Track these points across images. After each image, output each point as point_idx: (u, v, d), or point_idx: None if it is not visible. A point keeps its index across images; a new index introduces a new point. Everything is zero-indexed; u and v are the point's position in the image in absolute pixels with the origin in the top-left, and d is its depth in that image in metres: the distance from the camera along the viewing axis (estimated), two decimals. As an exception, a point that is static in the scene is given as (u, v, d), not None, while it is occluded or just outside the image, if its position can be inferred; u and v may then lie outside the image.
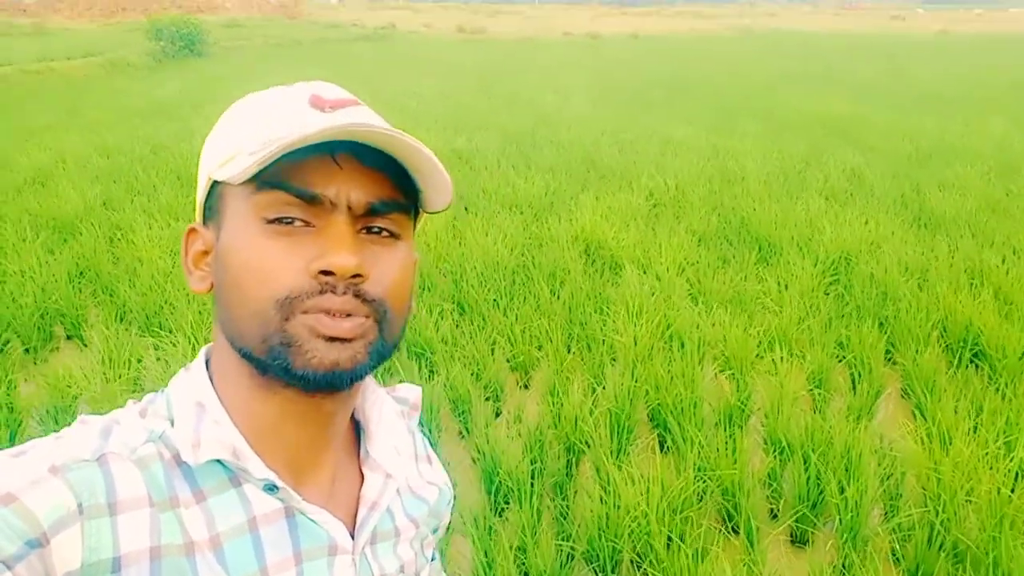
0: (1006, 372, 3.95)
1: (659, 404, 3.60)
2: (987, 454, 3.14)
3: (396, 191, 0.66)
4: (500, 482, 3.05)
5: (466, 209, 6.73)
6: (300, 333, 0.61)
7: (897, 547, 2.85)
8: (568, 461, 3.29)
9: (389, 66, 22.18)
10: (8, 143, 9.90)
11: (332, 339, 0.61)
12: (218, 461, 0.64)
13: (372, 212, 0.64)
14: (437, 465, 0.86)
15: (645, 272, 5.19)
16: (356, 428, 0.77)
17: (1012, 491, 2.92)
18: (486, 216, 6.42)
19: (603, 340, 4.23)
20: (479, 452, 3.26)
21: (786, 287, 4.98)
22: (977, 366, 4.15)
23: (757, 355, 4.13)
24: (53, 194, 7.11)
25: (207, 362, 0.70)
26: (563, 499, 3.04)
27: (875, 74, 21.15)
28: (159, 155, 9.23)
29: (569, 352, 4.15)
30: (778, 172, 8.34)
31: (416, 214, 0.71)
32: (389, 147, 0.63)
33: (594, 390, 3.73)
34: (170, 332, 4.25)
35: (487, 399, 3.83)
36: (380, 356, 0.65)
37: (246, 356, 0.64)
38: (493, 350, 4.15)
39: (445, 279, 5.06)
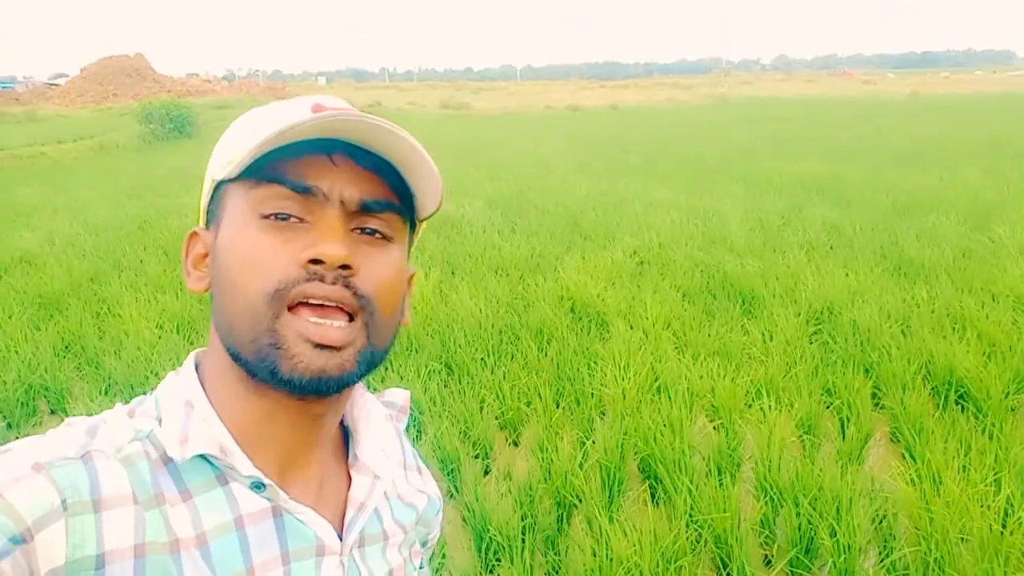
0: (991, 412, 3.97)
1: (649, 455, 3.59)
2: (977, 492, 3.13)
3: (390, 192, 0.67)
4: (491, 539, 3.01)
5: (453, 273, 6.79)
6: (288, 335, 0.61)
7: (894, 589, 2.82)
8: (559, 516, 3.26)
9: (375, 141, 22.54)
10: (-3, 225, 9.97)
11: (321, 346, 0.61)
12: (205, 460, 0.64)
13: (365, 210, 0.65)
14: (428, 476, 0.86)
15: (632, 327, 5.22)
16: (344, 432, 0.78)
17: (1003, 528, 2.91)
18: (473, 279, 6.48)
19: (592, 394, 4.23)
20: (469, 510, 3.22)
21: (771, 338, 5.02)
22: (963, 407, 4.17)
23: (746, 404, 4.14)
24: (40, 272, 7.14)
25: (197, 367, 0.70)
26: (555, 554, 3.00)
27: (850, 135, 21.72)
28: (146, 231, 9.32)
29: (558, 407, 4.15)
30: (759, 229, 8.48)
31: (412, 225, 0.72)
32: (383, 146, 0.64)
33: (584, 444, 3.72)
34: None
35: (476, 457, 3.80)
36: (369, 364, 0.65)
37: (235, 356, 0.64)
38: (482, 408, 4.14)
39: (432, 340, 5.07)
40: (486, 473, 3.72)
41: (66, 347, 5.30)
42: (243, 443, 0.65)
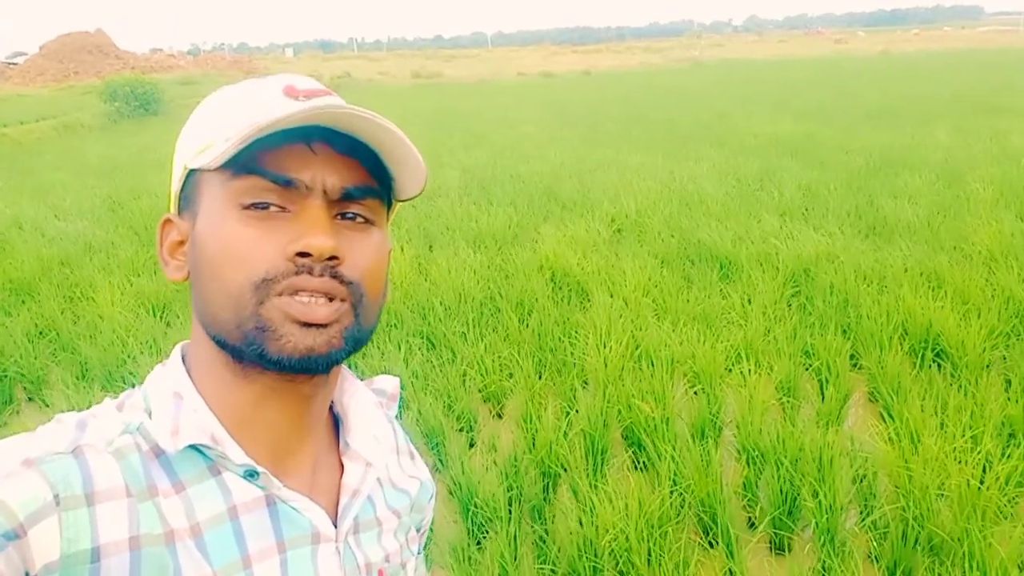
0: (967, 369, 4.03)
1: (632, 423, 3.61)
2: (955, 449, 3.19)
3: (370, 177, 0.67)
4: (477, 511, 3.02)
5: (430, 247, 6.75)
6: (274, 317, 0.61)
7: (874, 546, 2.87)
8: (545, 485, 3.28)
9: (347, 113, 22.25)
10: (-39, 210, 9.73)
11: (307, 324, 0.61)
12: (197, 450, 0.63)
13: (347, 197, 0.65)
14: (419, 461, 0.86)
15: (612, 296, 5.23)
16: (336, 421, 0.78)
17: (981, 483, 2.97)
18: (451, 251, 6.44)
19: (574, 364, 4.25)
20: (455, 483, 3.23)
21: (749, 301, 5.05)
22: (939, 365, 4.23)
23: (726, 369, 4.17)
24: (9, 257, 6.99)
25: (184, 358, 0.70)
26: (542, 523, 3.02)
27: (822, 95, 21.76)
28: (116, 213, 9.14)
29: (540, 378, 4.16)
30: (734, 193, 8.50)
31: (390, 204, 0.72)
32: (362, 132, 0.64)
33: (567, 414, 3.73)
34: (133, 386, 4.16)
35: (460, 430, 3.81)
36: (356, 342, 0.65)
37: (221, 343, 0.64)
38: (464, 381, 4.14)
39: (412, 314, 5.05)
40: (471, 446, 3.73)
41: (40, 333, 5.21)
42: (234, 431, 0.65)
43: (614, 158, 11.47)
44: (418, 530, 0.84)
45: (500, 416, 4.06)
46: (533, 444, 3.46)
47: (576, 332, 4.63)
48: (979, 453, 3.16)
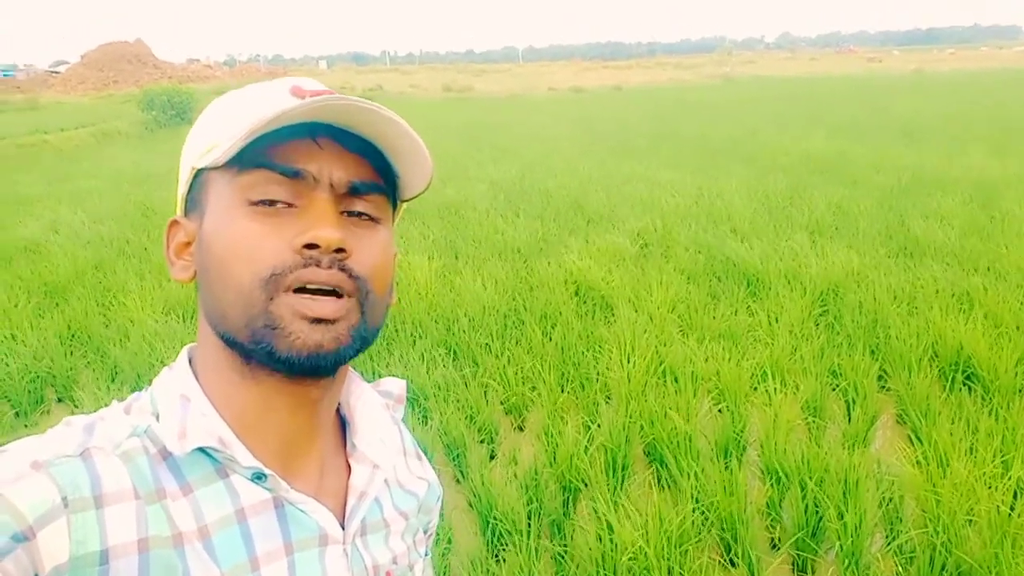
0: (999, 393, 3.95)
1: (654, 439, 3.58)
2: (984, 474, 3.12)
3: (376, 174, 0.67)
4: (497, 524, 3.02)
5: (456, 257, 6.78)
6: (283, 314, 0.61)
7: (900, 571, 2.82)
8: (565, 500, 3.26)
9: (377, 125, 22.47)
10: (1, 214, 9.98)
11: (316, 320, 0.61)
12: (205, 453, 0.64)
13: (353, 192, 0.65)
14: (426, 463, 0.86)
15: (637, 311, 5.21)
16: (342, 423, 0.78)
17: (1011, 509, 2.90)
18: (476, 263, 6.47)
19: (596, 378, 4.23)
20: (475, 495, 3.23)
21: (776, 320, 5.00)
22: (970, 388, 4.15)
23: (751, 387, 4.13)
24: (45, 260, 7.15)
25: (190, 361, 0.70)
26: (561, 538, 3.01)
27: (854, 113, 21.56)
28: (150, 219, 9.32)
29: (563, 392, 4.14)
30: (763, 210, 8.44)
31: (395, 205, 0.72)
32: (368, 128, 0.64)
33: (589, 428, 3.72)
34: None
35: (481, 442, 3.80)
36: (363, 340, 0.65)
37: (229, 342, 0.64)
38: (486, 393, 4.14)
39: (437, 325, 5.06)
40: (492, 458, 3.72)
41: (72, 336, 5.31)
42: (242, 434, 0.65)
43: (643, 173, 11.45)
44: (425, 532, 0.84)
45: (521, 429, 4.06)
46: (554, 458, 3.45)
47: (600, 347, 4.62)
48: (1010, 479, 3.09)
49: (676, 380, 4.13)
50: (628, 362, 4.26)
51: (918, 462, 3.32)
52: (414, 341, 4.86)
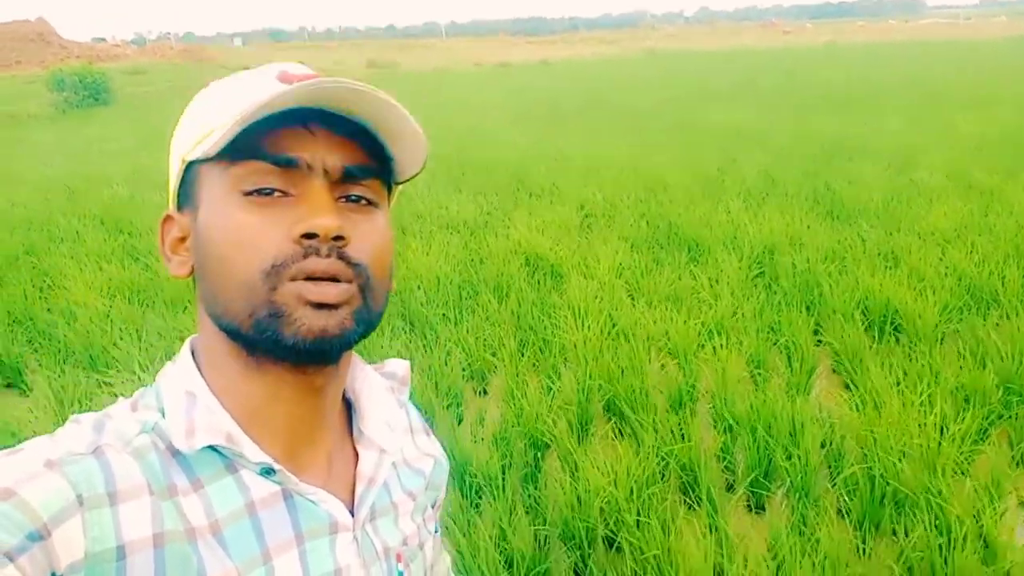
0: (922, 340, 4.28)
1: (613, 395, 3.77)
2: (914, 413, 3.41)
3: (369, 158, 0.67)
4: (472, 479, 3.16)
5: (404, 231, 6.83)
6: (288, 302, 0.61)
7: (844, 502, 3.08)
8: (535, 455, 3.42)
9: (305, 103, 22.05)
10: (-87, 200, 9.49)
11: (319, 305, 0.61)
12: (213, 448, 0.64)
13: (348, 177, 0.65)
14: (434, 438, 0.87)
15: (586, 278, 5.39)
16: (348, 408, 0.78)
17: (940, 443, 3.19)
18: (423, 237, 6.54)
19: (554, 342, 4.39)
20: (448, 455, 3.35)
21: (717, 282, 5.26)
22: (897, 338, 4.48)
23: (699, 344, 4.36)
24: (-28, 247, 6.88)
25: (193, 354, 0.70)
26: (535, 488, 3.17)
27: (775, 84, 22.26)
28: (76, 202, 9.03)
29: (522, 356, 4.29)
30: (698, 179, 8.73)
31: (390, 189, 0.72)
32: (360, 110, 0.64)
33: (550, 389, 3.88)
34: (118, 370, 4.20)
35: (448, 407, 3.92)
36: (367, 324, 0.65)
37: (233, 334, 0.64)
38: (447, 361, 4.25)
39: (392, 297, 5.12)
40: (459, 422, 3.85)
41: (14, 321, 5.17)
42: (248, 427, 0.65)
43: (577, 145, 11.64)
44: (433, 507, 0.85)
45: (485, 393, 4.19)
46: (520, 417, 3.60)
47: (554, 312, 4.78)
48: (936, 416, 3.39)
49: (629, 341, 4.32)
50: (583, 326, 4.43)
51: (855, 406, 3.60)
52: (370, 314, 4.92)
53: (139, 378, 3.98)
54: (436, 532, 0.86)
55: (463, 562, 2.63)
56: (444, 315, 4.81)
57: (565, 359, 4.29)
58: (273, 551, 0.64)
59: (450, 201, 7.92)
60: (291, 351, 0.62)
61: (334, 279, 0.62)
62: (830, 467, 3.33)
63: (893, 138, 10.96)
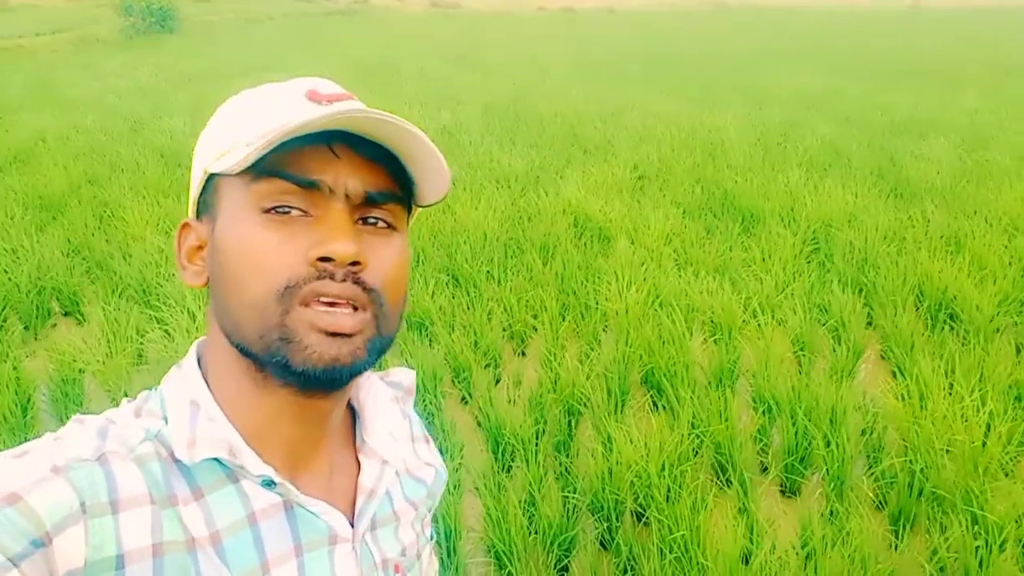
0: (979, 332, 4.14)
1: (652, 367, 3.75)
2: (962, 408, 3.32)
3: (392, 182, 0.66)
4: (505, 443, 3.18)
5: (453, 183, 6.80)
6: (299, 328, 0.60)
7: (881, 495, 3.03)
8: (568, 422, 3.43)
9: (364, 41, 22.00)
10: (-16, 121, 9.77)
11: (332, 334, 0.61)
12: (215, 458, 0.64)
13: (369, 202, 0.65)
14: (433, 447, 0.87)
15: (634, 243, 5.32)
16: (352, 415, 0.78)
17: (985, 442, 3.11)
18: (473, 190, 6.51)
19: (596, 308, 4.36)
20: (483, 415, 3.39)
21: (769, 256, 5.14)
22: (952, 327, 4.34)
23: (743, 320, 4.29)
24: (37, 172, 7.08)
25: (199, 360, 0.69)
26: (566, 456, 3.18)
27: (849, 48, 21.36)
28: (139, 132, 9.19)
29: (563, 320, 4.28)
30: (758, 145, 8.49)
31: (410, 210, 0.71)
32: (385, 136, 0.63)
33: (589, 356, 3.87)
34: (168, 306, 4.31)
35: (486, 366, 3.95)
36: (379, 352, 0.65)
37: (243, 351, 0.64)
38: (489, 319, 4.27)
39: (438, 251, 5.15)
40: (497, 382, 3.87)
41: (73, 250, 5.33)
42: (250, 439, 0.65)
43: (637, 102, 11.39)
44: (429, 511, 0.85)
45: (524, 354, 4.20)
46: (556, 383, 3.60)
47: (598, 277, 4.74)
48: (984, 413, 3.30)
49: (672, 312, 4.27)
50: (626, 293, 4.39)
51: (900, 396, 3.52)
52: (416, 265, 4.95)
53: (192, 316, 4.07)
54: (432, 539, 0.87)
55: (490, 526, 2.67)
56: (488, 273, 4.81)
57: (606, 326, 4.27)
58: (272, 562, 0.64)
59: (502, 153, 7.85)
60: (299, 377, 0.62)
61: (348, 303, 0.62)
62: (868, 458, 3.27)
63: (969, 115, 10.47)
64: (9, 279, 4.69)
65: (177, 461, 0.62)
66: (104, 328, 4.10)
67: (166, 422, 0.64)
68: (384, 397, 0.78)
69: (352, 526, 0.70)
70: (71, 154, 7.96)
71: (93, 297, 4.69)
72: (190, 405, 0.65)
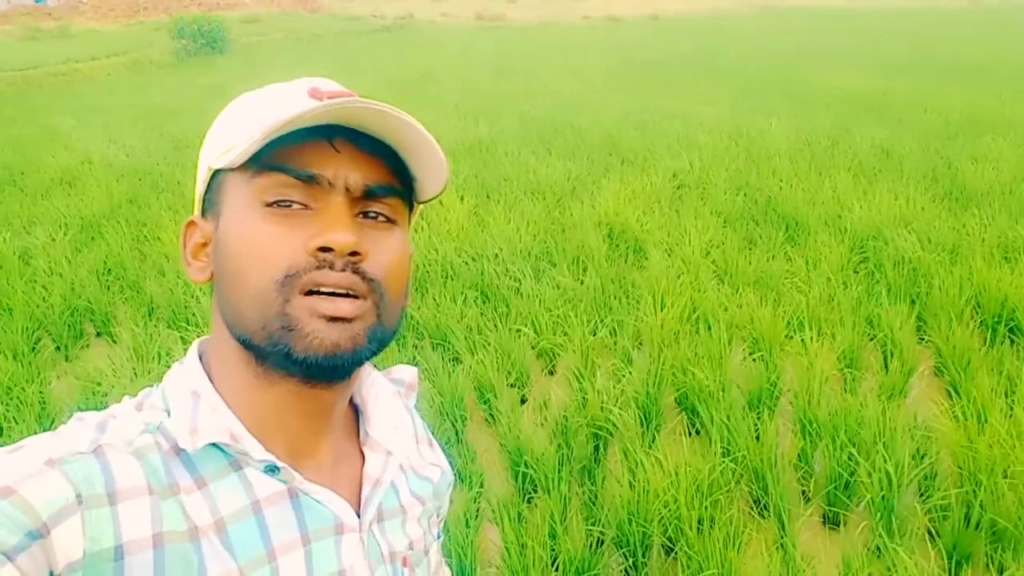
0: (1043, 347, 3.86)
1: (686, 388, 3.56)
2: (1023, 429, 3.07)
3: (392, 176, 0.67)
4: (528, 469, 3.04)
5: (488, 196, 6.71)
6: (300, 315, 0.61)
7: (933, 527, 2.80)
8: (595, 446, 3.27)
9: (408, 55, 22.15)
10: (36, 145, 10.05)
11: (333, 319, 0.62)
12: (217, 447, 0.64)
13: (369, 195, 0.66)
14: (438, 449, 0.87)
15: (670, 255, 5.14)
16: (355, 412, 0.78)
17: (1051, 469, 2.85)
18: (507, 203, 6.39)
19: (628, 324, 4.20)
20: (506, 439, 3.25)
21: (814, 266, 4.90)
22: (1012, 342, 4.06)
23: (786, 336, 4.07)
24: (80, 193, 7.21)
25: (201, 356, 0.70)
26: (592, 484, 3.02)
27: (900, 47, 20.73)
28: (182, 152, 9.32)
29: (594, 336, 4.12)
30: (804, 150, 8.21)
31: (411, 207, 0.72)
32: (384, 130, 0.64)
33: (620, 376, 3.70)
34: (197, 326, 4.29)
35: (512, 386, 3.81)
36: (379, 342, 0.65)
37: (245, 343, 0.64)
38: (518, 336, 4.13)
39: (468, 266, 5.04)
40: (523, 402, 3.74)
41: (108, 271, 5.37)
42: (253, 431, 0.66)
43: (680, 109, 11.16)
44: (437, 515, 0.85)
45: (552, 373, 4.06)
46: (584, 404, 3.45)
47: (632, 291, 4.57)
48: (1050, 437, 3.04)
49: (710, 328, 4.08)
50: (661, 308, 4.21)
51: (955, 416, 3.27)
52: (445, 281, 4.85)
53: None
54: (439, 537, 0.86)
55: (508, 561, 2.53)
56: (518, 289, 4.68)
57: (639, 342, 4.09)
58: (278, 550, 0.64)
59: (539, 164, 7.72)
60: (302, 365, 0.62)
61: (348, 293, 0.62)
62: (919, 484, 3.03)
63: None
64: (44, 300, 4.74)
65: (179, 453, 0.63)
66: (132, 350, 4.09)
67: (168, 415, 0.65)
68: (387, 392, 0.79)
69: (358, 516, 0.70)
70: (115, 175, 8.10)
71: (124, 319, 4.70)
72: (192, 395, 0.65)
